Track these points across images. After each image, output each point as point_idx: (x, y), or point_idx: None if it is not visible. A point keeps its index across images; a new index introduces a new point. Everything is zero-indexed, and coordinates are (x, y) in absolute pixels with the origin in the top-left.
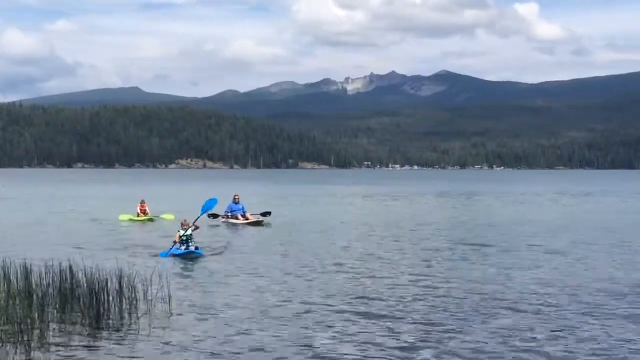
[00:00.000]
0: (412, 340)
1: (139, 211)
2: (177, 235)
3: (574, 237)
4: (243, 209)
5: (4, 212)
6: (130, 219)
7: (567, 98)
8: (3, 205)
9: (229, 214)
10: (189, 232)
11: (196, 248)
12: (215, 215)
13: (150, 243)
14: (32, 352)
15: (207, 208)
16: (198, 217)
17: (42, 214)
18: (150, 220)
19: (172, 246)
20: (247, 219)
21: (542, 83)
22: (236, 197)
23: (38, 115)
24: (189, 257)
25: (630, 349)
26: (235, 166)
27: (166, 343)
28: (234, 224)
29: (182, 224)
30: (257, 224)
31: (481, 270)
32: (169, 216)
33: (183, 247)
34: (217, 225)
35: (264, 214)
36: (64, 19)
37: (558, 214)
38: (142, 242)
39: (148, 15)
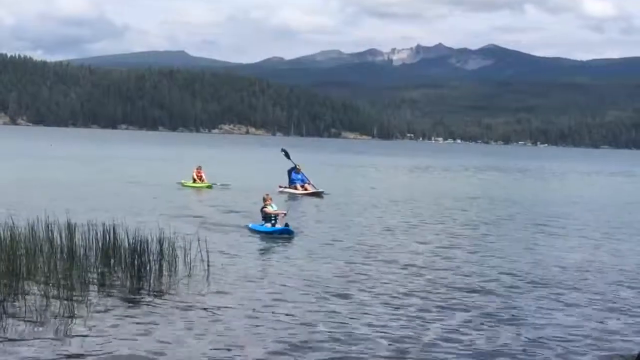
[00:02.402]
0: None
1: (195, 177)
2: (268, 210)
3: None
4: (303, 180)
5: (53, 171)
6: (183, 184)
7: (615, 76)
8: (52, 165)
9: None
10: (275, 207)
11: (286, 225)
12: (288, 155)
13: (203, 210)
14: (73, 309)
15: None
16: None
17: (89, 174)
18: (209, 187)
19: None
20: (306, 189)
21: (590, 60)
22: (298, 167)
23: (85, 76)
24: (283, 236)
25: None
26: (278, 133)
27: (202, 306)
28: (292, 194)
29: (264, 200)
30: (316, 195)
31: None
32: (226, 183)
33: (269, 225)
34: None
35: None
36: None
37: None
38: (194, 208)
39: None
